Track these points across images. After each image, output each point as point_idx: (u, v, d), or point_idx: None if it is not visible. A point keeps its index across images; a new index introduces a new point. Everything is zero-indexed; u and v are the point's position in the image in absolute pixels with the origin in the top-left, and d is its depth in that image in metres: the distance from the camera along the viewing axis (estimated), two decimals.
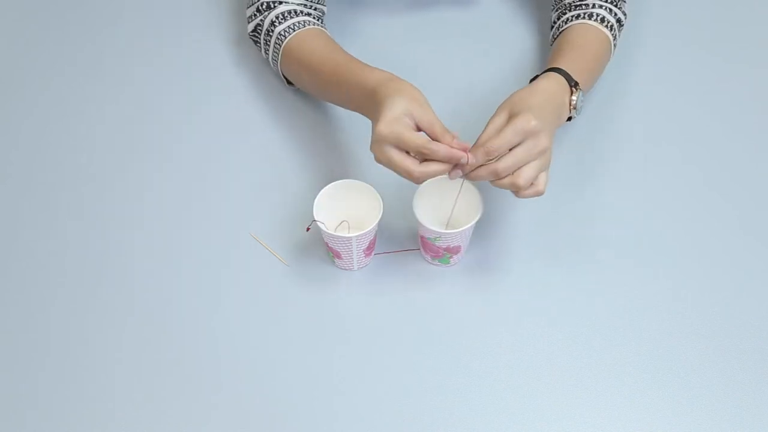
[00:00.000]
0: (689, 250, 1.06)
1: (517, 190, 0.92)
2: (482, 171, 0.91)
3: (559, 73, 1.00)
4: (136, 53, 1.27)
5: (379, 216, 0.98)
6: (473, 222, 0.98)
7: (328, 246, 1.02)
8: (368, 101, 0.96)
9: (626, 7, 1.14)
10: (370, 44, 1.25)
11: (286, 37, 1.09)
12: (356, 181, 1.02)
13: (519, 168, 0.90)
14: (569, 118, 1.02)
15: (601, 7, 1.10)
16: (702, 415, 0.95)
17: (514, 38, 1.26)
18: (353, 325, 1.02)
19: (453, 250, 1.01)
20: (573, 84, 1.00)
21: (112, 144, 1.17)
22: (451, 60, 1.24)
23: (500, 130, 0.91)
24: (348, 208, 1.02)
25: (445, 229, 0.98)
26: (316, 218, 0.98)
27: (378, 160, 0.93)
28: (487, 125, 0.93)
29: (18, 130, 1.19)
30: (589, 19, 1.09)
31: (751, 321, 1.01)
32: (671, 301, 1.03)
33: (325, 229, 0.97)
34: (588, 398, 0.96)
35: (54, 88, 1.23)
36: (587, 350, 0.99)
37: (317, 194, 1.00)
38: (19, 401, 0.98)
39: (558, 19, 1.14)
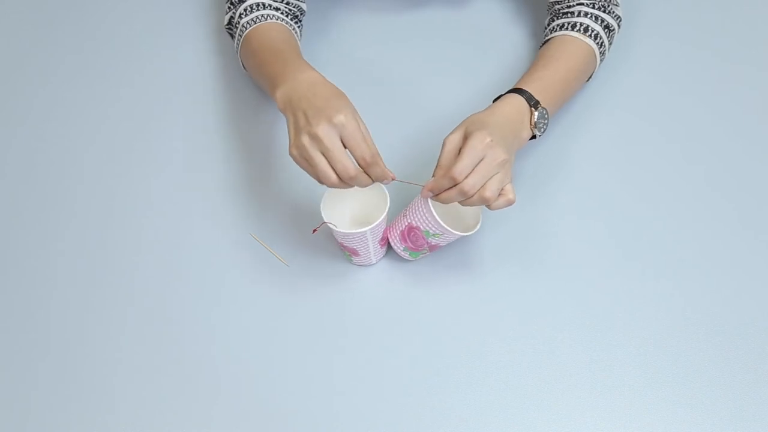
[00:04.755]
0: (690, 249, 1.06)
1: (487, 204, 0.93)
2: (452, 193, 0.92)
3: (521, 94, 1.01)
4: (134, 54, 1.27)
5: (388, 205, 0.97)
6: (475, 230, 0.98)
7: (342, 246, 1.01)
8: (305, 87, 0.94)
9: (620, 11, 1.13)
10: (360, 44, 1.25)
11: (247, 28, 1.10)
12: None
13: (483, 183, 0.92)
14: (533, 137, 1.02)
15: (587, 15, 1.10)
16: (702, 415, 0.95)
17: (509, 40, 1.26)
18: (352, 325, 1.02)
19: (434, 248, 1.01)
20: (533, 104, 1.01)
21: (112, 144, 1.17)
22: (442, 62, 1.24)
23: (457, 150, 0.93)
24: (353, 205, 1.02)
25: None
26: (325, 220, 0.97)
27: (318, 139, 0.88)
28: (444, 145, 0.94)
29: (16, 131, 1.19)
30: (572, 29, 1.09)
31: (751, 321, 1.01)
32: (671, 301, 1.03)
33: (337, 229, 0.96)
34: (588, 398, 0.97)
35: (51, 89, 1.23)
36: (587, 350, 0.99)
37: (318, 194, 1.00)
38: (19, 401, 0.98)
39: (548, 25, 1.14)
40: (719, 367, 0.98)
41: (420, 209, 0.97)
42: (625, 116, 1.18)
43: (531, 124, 1.01)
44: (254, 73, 1.10)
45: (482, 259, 1.06)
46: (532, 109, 1.01)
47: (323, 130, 0.88)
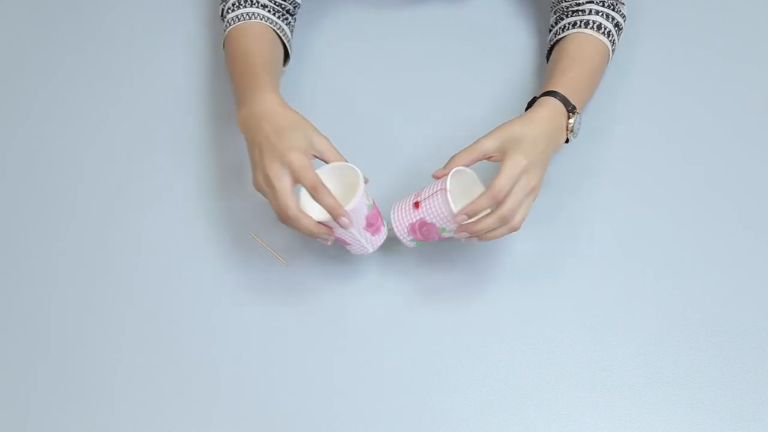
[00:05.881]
0: (689, 249, 1.06)
1: (512, 232, 0.95)
2: (490, 219, 0.92)
3: (557, 97, 1.01)
4: (134, 54, 1.26)
5: (361, 185, 0.93)
6: None
7: (336, 238, 0.99)
8: (260, 115, 0.97)
9: (625, 9, 1.13)
10: (356, 41, 1.24)
11: (230, 25, 1.10)
12: (332, 165, 0.97)
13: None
14: (566, 140, 1.03)
15: (598, 13, 1.09)
16: (702, 415, 0.95)
17: (511, 38, 1.25)
18: (352, 325, 1.02)
19: (442, 239, 0.99)
20: (570, 108, 1.01)
21: (112, 144, 1.17)
22: (442, 61, 1.23)
23: (482, 156, 0.95)
24: (335, 194, 0.96)
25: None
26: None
27: (268, 178, 0.92)
28: (474, 147, 0.95)
29: (16, 131, 1.19)
30: (585, 27, 1.08)
31: (751, 321, 1.01)
32: (671, 301, 1.03)
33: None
34: (588, 398, 0.97)
35: (51, 89, 1.23)
36: (587, 350, 0.99)
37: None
38: (19, 401, 0.98)
39: (556, 23, 1.13)
40: (719, 367, 0.98)
41: (438, 207, 0.95)
42: (625, 116, 1.18)
43: (568, 130, 1.00)
44: (229, 71, 1.10)
45: (482, 259, 1.06)
46: (570, 113, 1.00)
47: (273, 171, 0.92)
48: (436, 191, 0.96)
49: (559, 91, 1.01)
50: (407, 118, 1.16)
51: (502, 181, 0.91)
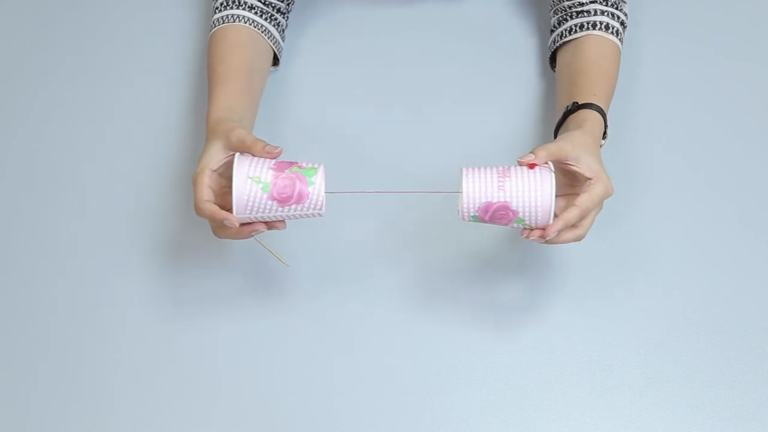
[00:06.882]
0: (690, 249, 1.06)
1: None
2: (570, 234, 0.90)
3: (596, 111, 0.99)
4: (134, 54, 1.26)
5: (235, 179, 0.86)
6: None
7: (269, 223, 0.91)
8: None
9: (627, 8, 1.12)
10: (350, 38, 1.23)
11: (213, 27, 1.10)
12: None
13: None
14: None
15: (603, 13, 1.08)
16: (702, 415, 0.95)
17: (509, 36, 1.24)
18: (353, 325, 1.02)
19: (496, 225, 0.92)
20: (605, 130, 1.00)
21: (113, 144, 1.17)
22: (438, 59, 1.22)
23: (566, 157, 0.90)
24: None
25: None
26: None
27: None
28: (559, 147, 0.90)
29: (16, 131, 1.19)
30: (594, 28, 1.07)
31: (751, 321, 1.01)
32: (671, 301, 1.03)
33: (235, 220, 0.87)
34: (588, 398, 0.97)
35: (51, 89, 1.23)
36: (587, 350, 0.99)
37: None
38: (19, 401, 0.98)
39: (559, 24, 1.11)
40: (719, 367, 0.98)
41: (534, 202, 0.87)
42: (625, 114, 1.17)
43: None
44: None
45: (482, 258, 1.06)
46: (604, 133, 1.00)
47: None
48: (540, 186, 0.88)
49: (598, 105, 0.99)
50: (402, 116, 1.16)
51: (591, 203, 0.90)
